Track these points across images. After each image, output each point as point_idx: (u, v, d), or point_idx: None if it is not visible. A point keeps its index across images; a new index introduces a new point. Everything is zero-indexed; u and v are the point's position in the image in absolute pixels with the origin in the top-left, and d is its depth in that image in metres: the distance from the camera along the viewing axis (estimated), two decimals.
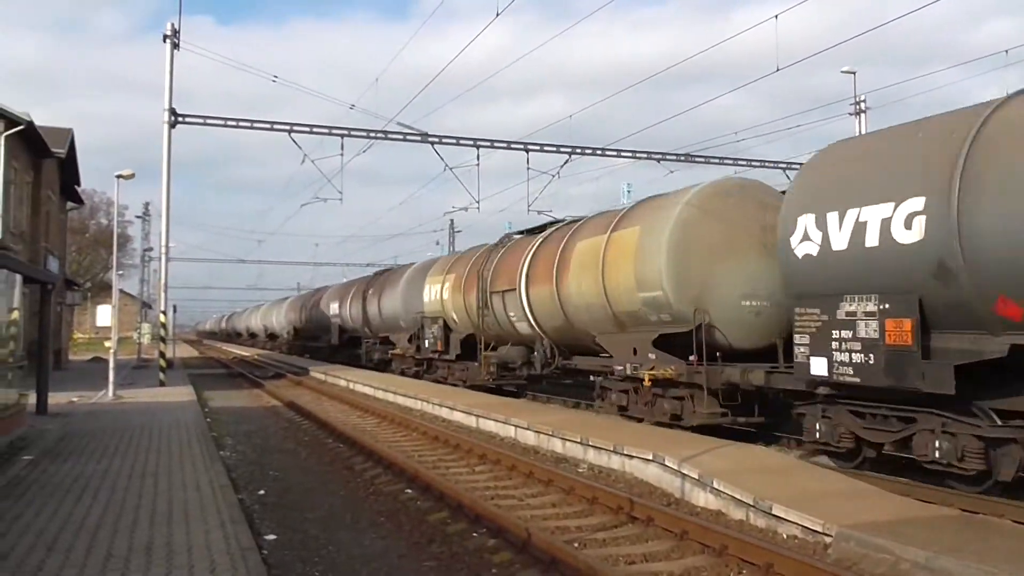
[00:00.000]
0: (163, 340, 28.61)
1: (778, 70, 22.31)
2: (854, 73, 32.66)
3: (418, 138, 28.95)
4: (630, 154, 31.29)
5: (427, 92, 30.96)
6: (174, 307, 42.46)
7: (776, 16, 21.45)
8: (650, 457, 10.41)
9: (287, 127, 27.69)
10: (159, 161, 26.45)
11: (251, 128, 27.77)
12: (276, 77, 29.62)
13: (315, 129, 28.07)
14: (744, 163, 31.37)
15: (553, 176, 30.90)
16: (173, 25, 26.71)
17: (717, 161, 30.70)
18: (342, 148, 28.32)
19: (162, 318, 28.44)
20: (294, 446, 14.87)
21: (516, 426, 14.44)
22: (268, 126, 27.83)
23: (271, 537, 8.18)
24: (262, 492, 10.52)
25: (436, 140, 29.15)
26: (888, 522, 7.21)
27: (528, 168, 30.37)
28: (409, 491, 10.31)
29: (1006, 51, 22.03)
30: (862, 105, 32.54)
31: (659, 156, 31.27)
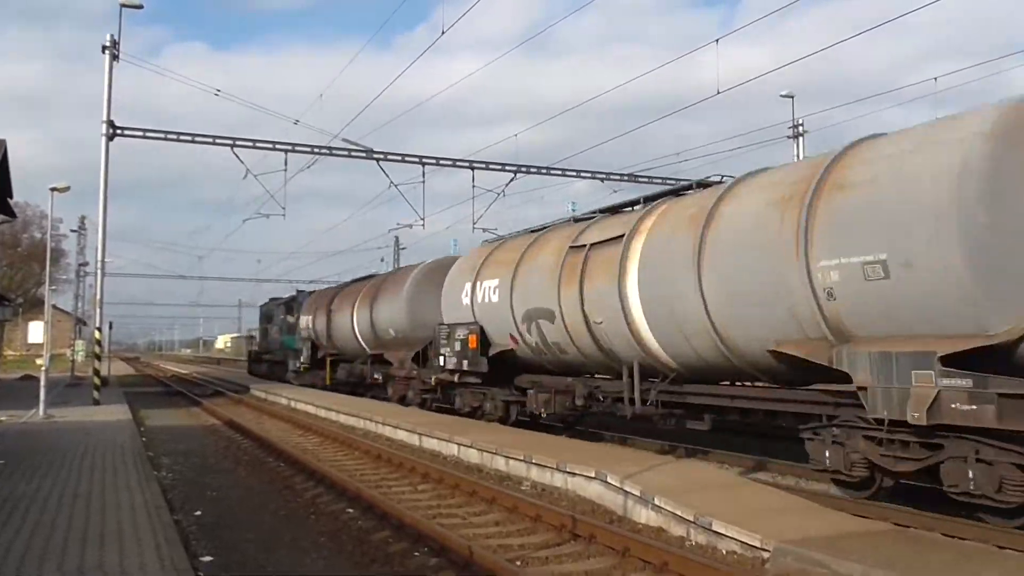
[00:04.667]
0: (98, 357, 27.88)
1: (719, 92, 22.77)
2: (792, 97, 33.49)
3: (363, 154, 28.80)
4: (574, 173, 31.55)
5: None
6: (110, 324, 41.41)
7: (717, 40, 21.95)
8: (593, 475, 10.45)
9: (229, 141, 27.30)
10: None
11: (192, 142, 27.31)
12: (219, 91, 29.27)
13: (258, 144, 27.71)
14: (686, 181, 31.80)
15: (498, 195, 31.01)
16: (113, 36, 26.19)
17: (660, 181, 31.06)
18: (286, 163, 28.08)
19: (97, 335, 27.71)
20: (233, 465, 14.58)
21: (459, 444, 14.38)
22: (210, 140, 27.39)
23: (208, 559, 7.99)
24: (199, 513, 10.29)
25: (381, 157, 29.01)
26: (824, 537, 7.34)
27: (473, 186, 30.42)
28: (351, 510, 10.19)
29: (935, 79, 22.82)
30: (800, 129, 33.35)
31: (603, 176, 31.59)
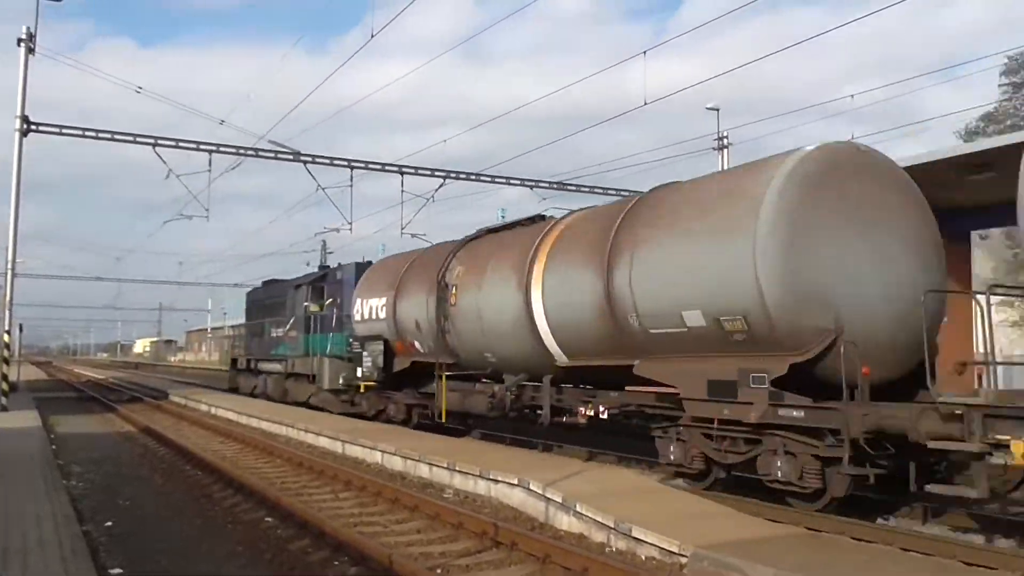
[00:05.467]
0: (6, 361, 26.78)
1: (645, 104, 23.10)
2: (717, 110, 34.26)
3: (290, 156, 28.35)
4: (503, 180, 31.61)
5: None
6: (20, 326, 39.91)
7: (644, 52, 22.27)
8: (515, 482, 10.48)
9: (151, 140, 26.54)
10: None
11: (112, 140, 26.47)
12: (140, 88, 28.49)
13: (181, 144, 26.99)
14: (613, 192, 32.15)
15: (427, 200, 30.88)
16: (28, 29, 25.26)
17: (588, 189, 31.36)
18: (210, 164, 27.42)
19: (6, 338, 26.63)
20: (149, 473, 14.17)
21: (383, 451, 14.26)
22: (131, 139, 26.59)
23: (117, 571, 7.74)
24: (110, 523, 9.96)
25: (308, 159, 28.56)
26: (739, 541, 7.51)
27: (403, 191, 30.21)
28: (270, 519, 9.99)
29: (851, 96, 23.64)
30: (725, 141, 34.09)
31: (532, 183, 31.72)
